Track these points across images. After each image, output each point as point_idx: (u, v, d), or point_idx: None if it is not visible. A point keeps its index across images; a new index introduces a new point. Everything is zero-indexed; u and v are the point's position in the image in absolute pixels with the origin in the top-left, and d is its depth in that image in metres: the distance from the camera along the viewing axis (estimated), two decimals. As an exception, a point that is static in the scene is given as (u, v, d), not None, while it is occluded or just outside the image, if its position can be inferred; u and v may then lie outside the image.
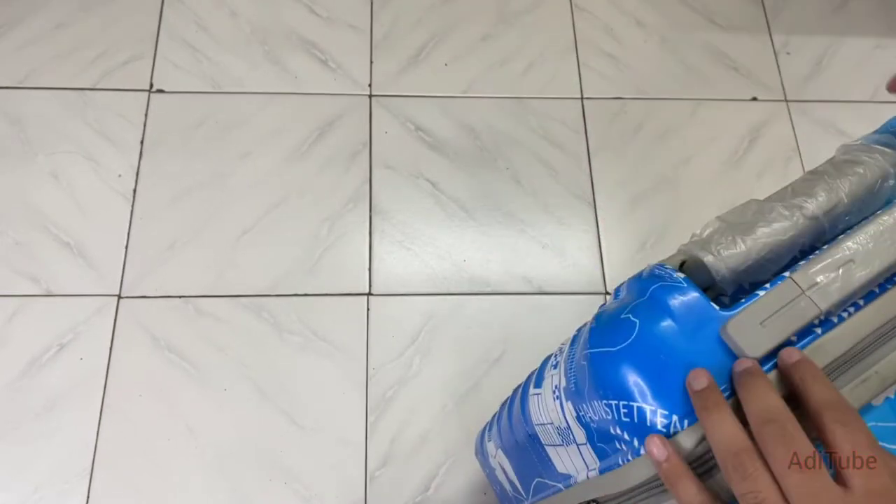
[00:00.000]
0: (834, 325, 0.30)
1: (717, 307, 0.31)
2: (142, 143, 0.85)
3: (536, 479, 0.46)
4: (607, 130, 0.90)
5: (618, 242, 0.84)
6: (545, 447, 0.42)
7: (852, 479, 0.24)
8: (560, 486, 0.41)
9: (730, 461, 0.26)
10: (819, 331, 0.30)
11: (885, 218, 0.31)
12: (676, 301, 0.31)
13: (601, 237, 0.84)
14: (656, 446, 0.29)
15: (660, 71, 0.94)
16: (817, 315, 0.29)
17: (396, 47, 0.93)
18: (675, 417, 0.29)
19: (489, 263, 0.82)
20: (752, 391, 0.28)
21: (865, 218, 0.34)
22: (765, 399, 0.27)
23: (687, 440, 0.29)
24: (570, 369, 0.36)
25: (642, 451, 0.30)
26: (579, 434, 0.36)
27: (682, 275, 0.32)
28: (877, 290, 0.31)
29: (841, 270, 0.29)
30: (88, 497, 0.68)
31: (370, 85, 0.90)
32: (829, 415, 0.26)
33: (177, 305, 0.77)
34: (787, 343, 0.29)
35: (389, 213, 0.83)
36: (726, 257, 0.32)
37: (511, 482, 0.53)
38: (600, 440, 0.34)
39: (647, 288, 0.32)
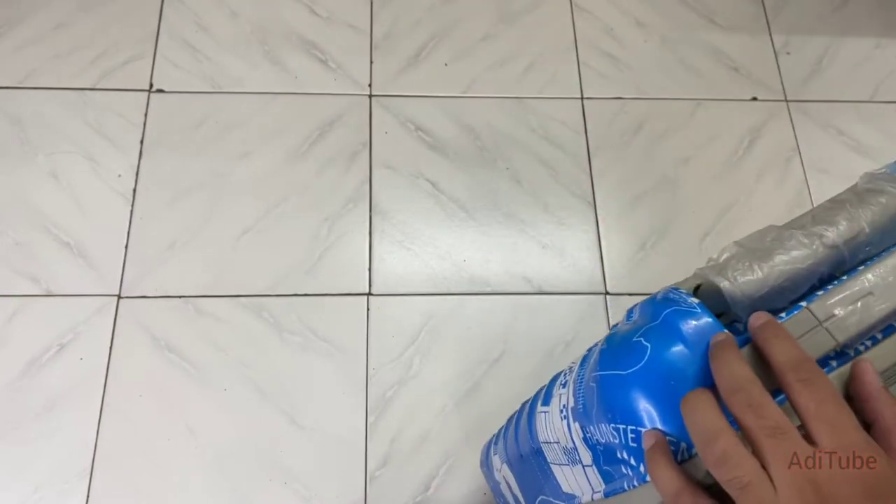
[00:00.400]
0: (850, 359, 0.29)
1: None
2: (142, 143, 0.85)
3: (541, 497, 0.45)
4: (607, 130, 0.90)
5: (618, 242, 0.84)
6: (551, 465, 0.42)
7: (820, 436, 0.24)
8: None
9: (708, 450, 0.26)
10: (834, 363, 0.29)
11: None
12: (689, 326, 0.30)
13: (601, 237, 0.84)
14: (649, 435, 0.29)
15: (660, 71, 0.94)
16: (833, 348, 0.28)
17: (396, 47, 0.93)
18: (683, 445, 0.28)
19: (489, 263, 0.82)
20: (720, 361, 0.28)
21: (887, 249, 0.33)
22: (730, 367, 0.27)
23: (696, 468, 0.28)
24: (580, 390, 0.35)
25: (648, 478, 0.29)
26: (585, 455, 0.36)
27: (696, 300, 0.32)
28: (895, 323, 0.30)
29: (860, 303, 0.29)
30: (88, 497, 0.68)
31: (370, 85, 0.90)
32: (792, 374, 0.26)
33: (177, 305, 0.77)
34: None
35: (389, 213, 0.83)
36: (742, 283, 0.32)
37: (515, 497, 0.53)
38: (606, 463, 0.34)
39: (661, 312, 0.32)
